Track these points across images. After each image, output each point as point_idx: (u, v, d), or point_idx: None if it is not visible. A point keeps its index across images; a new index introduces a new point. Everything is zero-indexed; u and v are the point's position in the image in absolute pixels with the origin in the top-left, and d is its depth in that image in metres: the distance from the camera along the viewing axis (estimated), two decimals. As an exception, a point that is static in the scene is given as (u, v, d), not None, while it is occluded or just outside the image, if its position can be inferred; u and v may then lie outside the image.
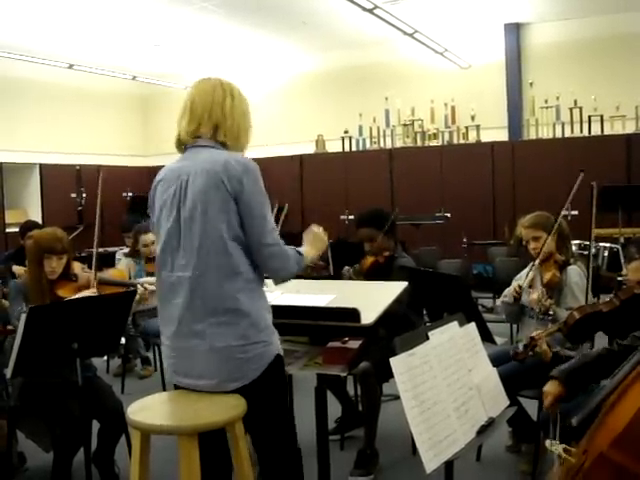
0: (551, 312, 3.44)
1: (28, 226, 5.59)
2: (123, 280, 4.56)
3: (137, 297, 4.17)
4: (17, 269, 5.05)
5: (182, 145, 2.46)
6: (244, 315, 2.26)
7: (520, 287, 3.64)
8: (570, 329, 3.01)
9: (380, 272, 4.01)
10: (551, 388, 2.72)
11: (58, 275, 3.58)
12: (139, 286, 4.65)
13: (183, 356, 2.33)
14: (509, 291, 3.72)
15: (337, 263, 6.31)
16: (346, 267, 4.37)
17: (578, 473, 2.13)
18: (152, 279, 5.03)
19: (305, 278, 2.50)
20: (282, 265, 2.35)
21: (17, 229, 6.95)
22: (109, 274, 4.39)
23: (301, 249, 2.48)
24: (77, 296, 3.42)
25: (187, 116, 2.41)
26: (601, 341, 3.42)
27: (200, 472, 2.18)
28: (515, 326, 4.70)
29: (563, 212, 3.77)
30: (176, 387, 2.45)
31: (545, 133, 9.60)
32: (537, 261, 3.67)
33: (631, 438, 2.00)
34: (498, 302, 3.82)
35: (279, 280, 2.51)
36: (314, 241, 2.62)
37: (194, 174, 2.31)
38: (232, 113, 2.41)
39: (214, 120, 2.38)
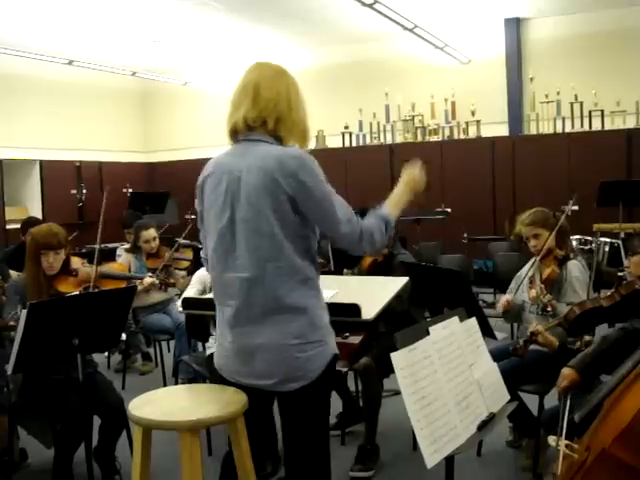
0: (549, 308, 3.44)
1: (30, 222, 5.58)
2: (124, 273, 4.57)
3: (140, 288, 4.19)
4: (12, 274, 5.03)
5: (237, 134, 2.31)
6: (301, 314, 2.21)
7: (508, 302, 3.69)
8: (571, 324, 3.02)
9: (380, 270, 4.01)
10: (568, 373, 2.75)
11: (57, 270, 3.58)
12: (146, 279, 4.69)
13: (241, 356, 2.27)
14: (502, 302, 3.75)
15: (337, 259, 6.32)
16: (345, 270, 4.36)
17: (580, 469, 2.13)
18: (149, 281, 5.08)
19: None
20: (369, 244, 2.24)
21: (17, 226, 6.95)
22: (110, 267, 4.39)
23: (384, 209, 2.34)
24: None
25: (249, 102, 2.26)
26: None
27: (201, 467, 2.17)
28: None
29: (566, 208, 3.78)
30: (232, 385, 2.36)
31: (546, 128, 9.58)
32: (538, 258, 3.68)
33: (634, 434, 2.00)
34: (498, 304, 3.83)
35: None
36: (409, 181, 2.46)
37: (247, 171, 2.20)
38: (297, 107, 2.32)
39: (279, 111, 2.26)
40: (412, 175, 2.47)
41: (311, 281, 2.26)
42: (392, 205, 2.38)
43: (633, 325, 2.81)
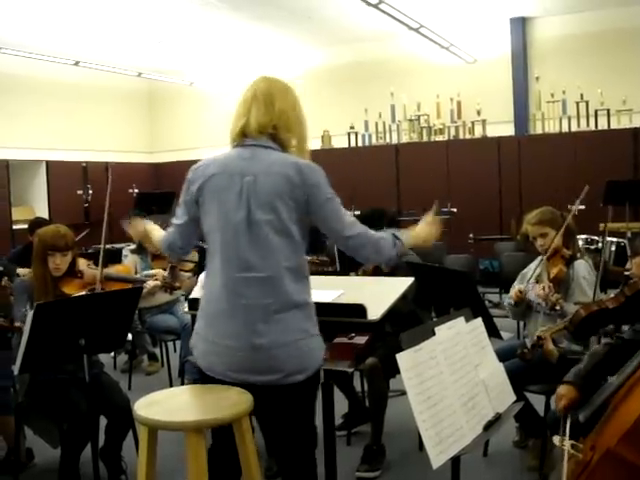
0: (557, 307, 3.43)
1: (37, 223, 5.60)
2: (129, 276, 4.57)
3: (144, 291, 4.18)
4: (22, 271, 5.05)
5: (244, 137, 2.39)
6: (303, 309, 2.33)
7: (521, 291, 3.66)
8: (576, 327, 3.00)
9: (385, 271, 4.00)
10: (566, 392, 2.66)
11: (63, 272, 3.59)
12: (149, 282, 4.68)
13: (251, 355, 2.30)
14: (511, 294, 3.74)
15: (343, 261, 6.32)
16: (352, 273, 4.36)
17: (586, 468, 2.13)
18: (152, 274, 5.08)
19: (312, 274, 2.49)
20: (373, 251, 2.40)
21: (24, 226, 6.98)
22: (115, 270, 4.40)
23: (401, 233, 2.49)
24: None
25: (261, 107, 2.36)
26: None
27: (207, 467, 2.18)
28: (522, 321, 4.70)
29: (573, 207, 3.77)
30: (223, 383, 2.38)
31: (551, 127, 9.56)
32: (544, 257, 3.67)
33: (639, 434, 2.00)
34: (504, 300, 3.83)
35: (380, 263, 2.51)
36: (427, 229, 2.61)
37: (265, 174, 2.30)
38: (303, 124, 2.44)
39: (290, 124, 2.39)
40: (432, 228, 2.62)
41: (307, 277, 2.41)
42: (408, 238, 2.53)
43: (619, 338, 2.80)
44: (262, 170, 2.30)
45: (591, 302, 3.23)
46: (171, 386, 4.81)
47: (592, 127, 9.24)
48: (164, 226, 2.72)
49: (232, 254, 2.33)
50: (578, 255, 3.70)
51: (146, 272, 5.14)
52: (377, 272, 4.07)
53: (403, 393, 2.05)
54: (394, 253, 2.44)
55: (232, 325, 2.32)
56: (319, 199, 2.31)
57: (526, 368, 3.32)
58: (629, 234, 6.62)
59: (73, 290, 3.59)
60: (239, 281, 2.31)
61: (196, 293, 4.33)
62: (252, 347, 2.29)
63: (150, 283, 4.79)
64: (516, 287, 3.73)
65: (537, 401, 3.50)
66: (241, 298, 2.30)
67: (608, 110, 9.10)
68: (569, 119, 9.37)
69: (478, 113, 9.98)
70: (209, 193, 2.37)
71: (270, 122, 2.35)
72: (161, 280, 4.91)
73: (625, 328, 2.90)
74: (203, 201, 2.39)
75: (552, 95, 9.45)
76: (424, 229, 2.60)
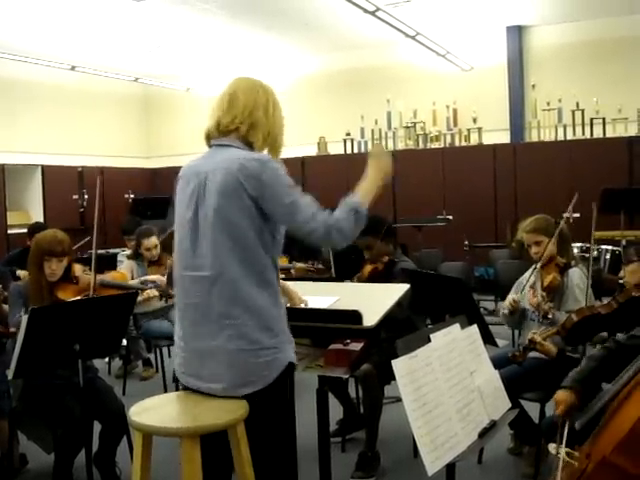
0: (550, 316, 3.43)
1: (37, 227, 5.60)
2: (123, 283, 4.54)
3: (140, 299, 4.17)
4: (21, 273, 5.05)
5: (209, 139, 2.41)
6: (257, 317, 2.22)
7: (515, 301, 3.67)
8: (568, 332, 3.01)
9: (381, 278, 4.01)
10: (564, 397, 2.63)
11: (59, 277, 3.58)
12: (147, 291, 4.64)
13: (195, 358, 2.29)
14: (506, 303, 3.74)
15: (339, 267, 6.32)
16: (347, 280, 4.36)
17: (581, 477, 2.13)
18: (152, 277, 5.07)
19: (307, 280, 2.49)
20: (340, 237, 2.27)
21: (19, 230, 6.97)
22: (110, 277, 4.38)
23: (354, 198, 2.35)
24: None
25: (224, 108, 2.36)
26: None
27: (202, 473, 2.17)
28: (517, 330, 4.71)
29: (565, 215, 3.78)
30: (185, 389, 2.40)
31: (547, 135, 9.59)
32: (539, 265, 3.68)
33: (634, 442, 2.00)
34: (500, 308, 3.84)
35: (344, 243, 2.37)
36: (377, 167, 2.53)
37: (213, 173, 2.27)
38: (274, 118, 2.39)
39: (254, 118, 2.34)
40: (379, 160, 2.54)
41: (270, 283, 2.27)
42: (363, 193, 2.40)
43: (618, 342, 2.79)
44: (211, 168, 2.28)
45: (584, 307, 3.24)
46: (165, 392, 4.79)
47: (587, 135, 9.27)
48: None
49: (182, 253, 2.34)
50: (573, 263, 3.70)
51: (145, 278, 5.12)
52: (373, 279, 4.08)
53: (398, 400, 2.05)
54: (355, 229, 2.31)
55: (181, 326, 2.33)
56: (268, 192, 2.21)
57: (521, 375, 3.33)
58: (624, 242, 6.63)
59: (68, 295, 3.58)
60: (187, 279, 2.31)
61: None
62: (195, 350, 2.27)
63: (147, 292, 4.69)
64: (511, 297, 3.74)
65: (532, 408, 3.50)
66: (188, 297, 2.30)
67: (604, 119, 9.13)
68: (565, 127, 9.40)
69: (474, 121, 10.01)
70: (176, 195, 2.41)
71: (232, 121, 2.33)
72: (159, 291, 4.87)
73: (620, 336, 2.90)
74: (174, 202, 2.43)
75: (548, 103, 9.48)
76: (372, 169, 2.51)
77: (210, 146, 2.41)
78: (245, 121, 2.33)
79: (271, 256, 2.29)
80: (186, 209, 2.32)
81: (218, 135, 2.36)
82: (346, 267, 4.52)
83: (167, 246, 5.79)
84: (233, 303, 2.21)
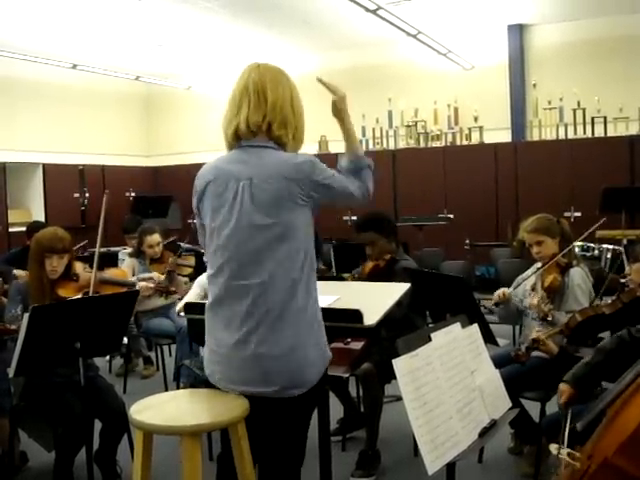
0: (549, 317, 3.42)
1: (35, 226, 5.59)
2: (124, 280, 4.55)
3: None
4: (19, 273, 5.04)
5: (239, 139, 2.28)
6: (303, 318, 2.22)
7: (504, 294, 3.67)
8: (572, 331, 3.00)
9: (381, 276, 4.00)
10: (567, 388, 2.72)
11: (59, 275, 3.58)
12: (141, 283, 4.65)
13: (243, 364, 2.23)
14: (496, 293, 3.73)
15: (339, 264, 6.32)
16: (346, 274, 4.36)
17: (582, 478, 2.12)
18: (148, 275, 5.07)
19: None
20: (368, 196, 2.36)
21: (20, 229, 6.96)
22: (110, 274, 4.38)
23: (358, 156, 2.42)
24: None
25: (251, 103, 2.23)
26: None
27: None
28: (517, 328, 4.71)
29: (566, 214, 3.78)
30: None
31: (548, 134, 9.58)
32: (540, 264, 3.67)
33: (637, 444, 1.99)
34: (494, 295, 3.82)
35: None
36: (340, 101, 2.57)
37: (259, 178, 2.19)
38: (300, 112, 2.33)
39: (284, 115, 2.25)
40: (339, 98, 2.58)
41: (312, 284, 2.28)
42: (355, 143, 2.52)
43: (631, 334, 2.79)
44: (258, 173, 2.19)
45: (587, 307, 3.24)
46: (166, 390, 4.80)
47: (589, 134, 9.26)
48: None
49: (229, 260, 2.25)
50: (574, 263, 3.69)
51: (142, 275, 5.13)
52: (373, 274, 4.08)
53: (399, 399, 2.05)
54: (372, 178, 2.40)
55: (228, 333, 2.25)
56: (322, 188, 2.22)
57: (522, 375, 3.33)
58: (625, 241, 6.63)
59: (69, 293, 3.59)
60: (236, 288, 2.23)
61: (190, 297, 4.33)
62: (246, 356, 2.21)
63: (142, 285, 4.68)
64: (502, 290, 3.73)
65: (532, 408, 3.50)
66: (237, 305, 2.23)
67: (605, 117, 9.12)
68: (566, 126, 9.40)
69: (475, 119, 10.00)
70: (207, 200, 2.30)
71: (263, 119, 2.23)
72: (155, 284, 4.87)
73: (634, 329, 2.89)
74: (202, 207, 2.33)
75: (549, 102, 9.48)
76: (345, 114, 2.59)
77: (237, 146, 2.29)
78: (276, 119, 2.24)
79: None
80: (228, 217, 2.22)
81: (249, 135, 2.25)
82: (346, 262, 4.52)
83: (169, 245, 5.81)
84: (283, 306, 2.19)
